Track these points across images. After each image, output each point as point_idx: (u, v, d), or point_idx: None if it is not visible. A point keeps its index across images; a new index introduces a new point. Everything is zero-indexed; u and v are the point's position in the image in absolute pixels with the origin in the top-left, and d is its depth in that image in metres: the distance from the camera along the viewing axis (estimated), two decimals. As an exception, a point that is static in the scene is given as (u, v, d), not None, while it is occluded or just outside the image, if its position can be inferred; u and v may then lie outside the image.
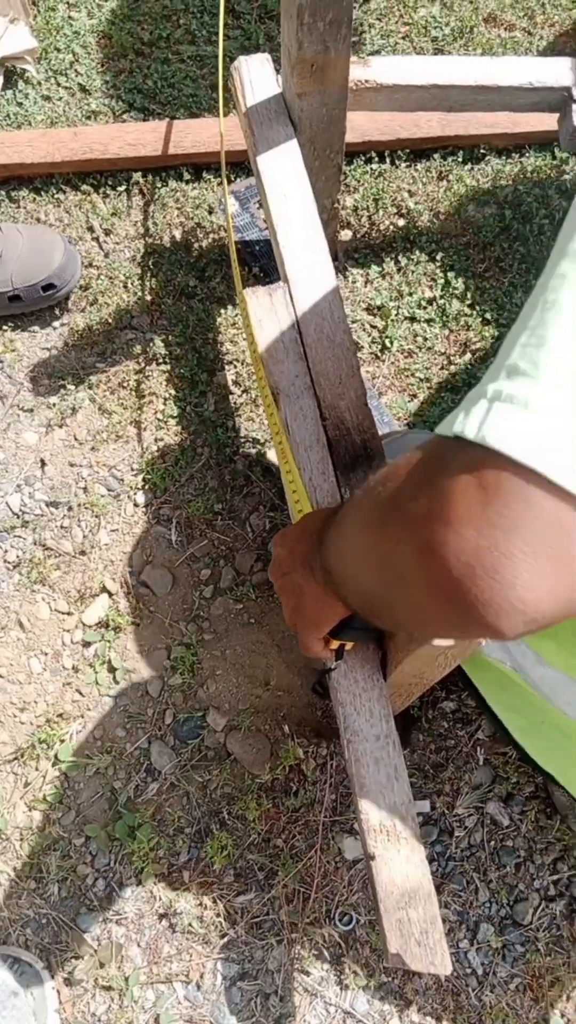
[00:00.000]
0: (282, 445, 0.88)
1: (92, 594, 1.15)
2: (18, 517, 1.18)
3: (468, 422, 0.41)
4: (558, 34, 1.51)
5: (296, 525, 0.74)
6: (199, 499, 1.18)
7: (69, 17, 1.50)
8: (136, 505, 1.19)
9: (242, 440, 1.22)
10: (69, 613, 1.14)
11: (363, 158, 1.37)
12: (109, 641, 1.12)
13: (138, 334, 1.28)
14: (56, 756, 1.07)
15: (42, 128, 1.40)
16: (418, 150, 1.37)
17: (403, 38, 1.49)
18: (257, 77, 1.09)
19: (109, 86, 1.44)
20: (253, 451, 1.21)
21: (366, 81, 1.16)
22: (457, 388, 1.23)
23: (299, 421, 0.90)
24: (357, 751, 0.74)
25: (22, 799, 1.06)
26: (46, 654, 1.12)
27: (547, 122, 1.33)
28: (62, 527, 1.18)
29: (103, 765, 1.07)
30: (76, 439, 1.22)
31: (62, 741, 1.08)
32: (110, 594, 1.15)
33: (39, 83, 1.44)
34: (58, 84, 1.44)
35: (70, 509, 1.18)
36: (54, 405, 1.24)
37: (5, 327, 1.28)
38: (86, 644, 1.13)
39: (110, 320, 1.29)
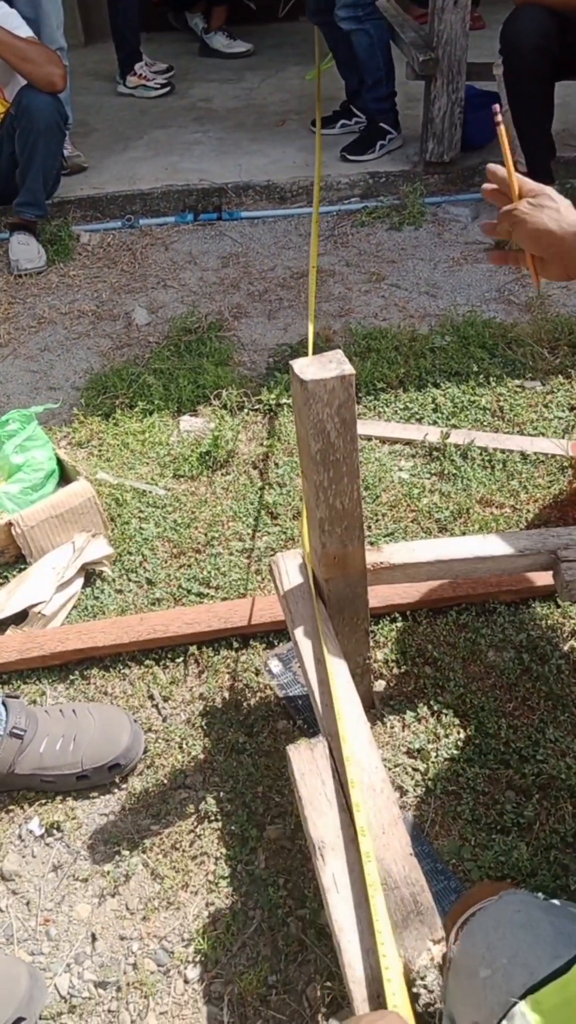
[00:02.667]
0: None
1: None
2: (65, 1002, 1.12)
3: None
4: (541, 507, 1.81)
5: None
6: (251, 970, 1.12)
7: (140, 527, 1.85)
8: (186, 981, 1.13)
9: (294, 899, 1.19)
10: None
11: (388, 618, 1.56)
12: None
13: (191, 792, 1.35)
14: None
15: (114, 615, 1.65)
16: (436, 608, 1.57)
17: (411, 521, 1.80)
18: (291, 568, 1.32)
19: (171, 578, 1.72)
20: (305, 911, 1.17)
21: (381, 563, 1.40)
22: (507, 829, 1.23)
23: (344, 877, 0.91)
24: None
25: None
26: None
27: (546, 577, 1.54)
28: (109, 1011, 1.11)
29: None
30: (128, 908, 1.21)
31: None
32: None
33: (113, 579, 1.73)
34: (129, 579, 1.73)
35: (118, 990, 1.13)
36: (108, 873, 1.25)
37: (68, 796, 1.36)
38: None
39: (165, 781, 1.36)
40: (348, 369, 1.04)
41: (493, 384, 2.16)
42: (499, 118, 1.07)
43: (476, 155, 3.29)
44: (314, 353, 1.13)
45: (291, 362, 1.05)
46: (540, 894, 0.93)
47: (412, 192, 3.15)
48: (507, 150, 1.08)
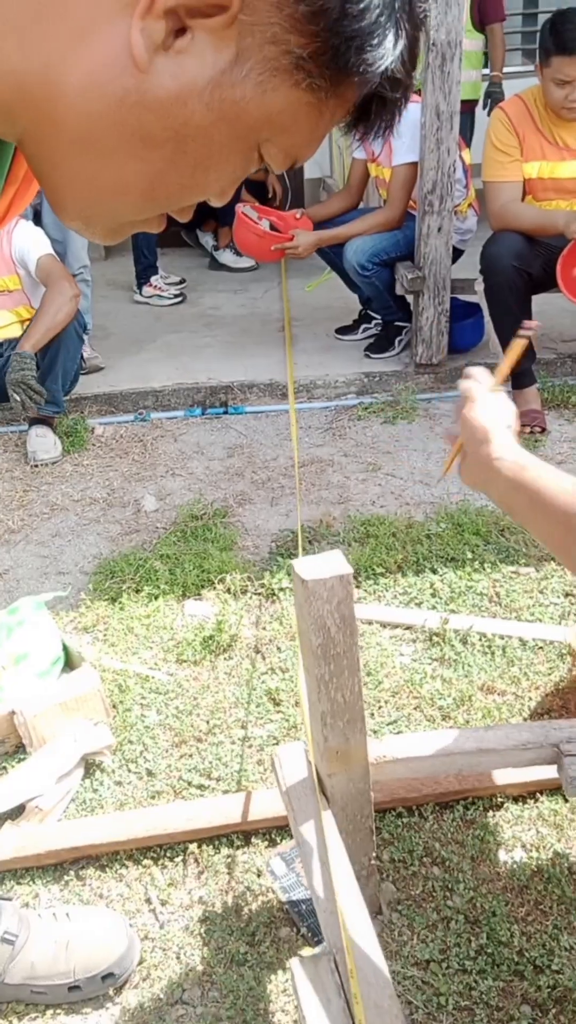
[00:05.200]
0: None
1: None
2: None
3: None
4: (543, 694, 1.82)
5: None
6: None
7: (142, 715, 1.85)
8: None
9: None
10: None
11: (393, 812, 1.53)
12: None
13: (189, 1009, 1.27)
14: None
15: (112, 810, 1.62)
16: (441, 803, 1.54)
17: (414, 708, 1.80)
18: (293, 763, 1.32)
19: (172, 768, 1.70)
20: None
21: (384, 756, 1.40)
22: (525, 1052, 1.15)
23: None
24: None
25: None
26: None
27: (552, 771, 1.52)
28: None
29: None
30: None
31: None
32: None
33: (113, 771, 1.71)
34: (129, 770, 1.71)
35: None
36: None
37: (59, 1011, 1.28)
38: None
39: (161, 995, 1.29)
40: (346, 569, 1.11)
41: (488, 570, 2.24)
42: (530, 332, 1.13)
43: (462, 357, 3.57)
44: (303, 545, 1.20)
45: (292, 562, 1.12)
46: None
47: (405, 389, 3.40)
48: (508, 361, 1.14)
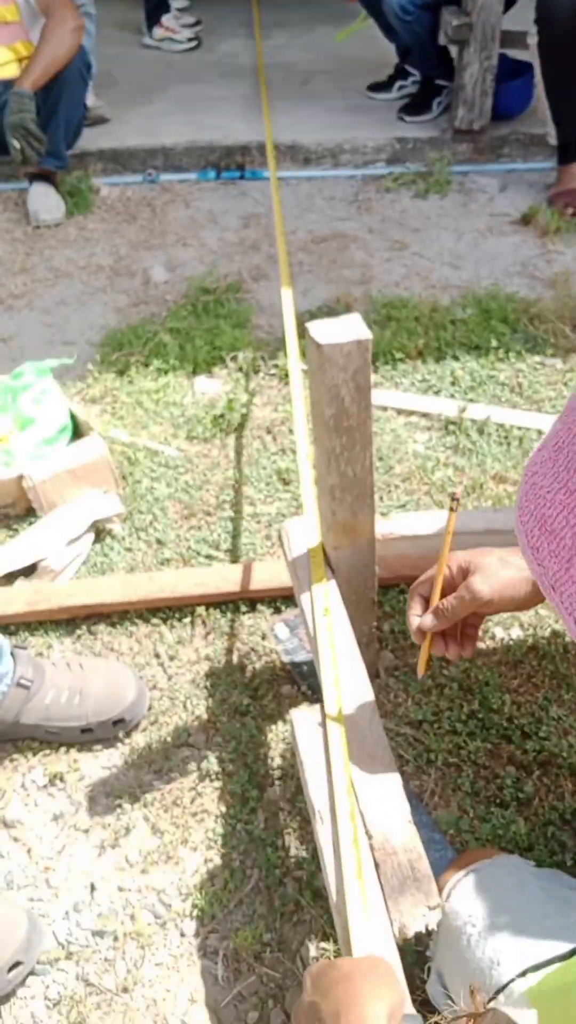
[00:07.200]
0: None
1: (130, 1043, 1.05)
2: (63, 948, 1.14)
3: None
4: (556, 486, 1.79)
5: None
6: (247, 927, 1.14)
7: (151, 487, 1.85)
8: (183, 935, 1.15)
9: (292, 860, 1.21)
10: (103, 1068, 1.04)
11: (396, 589, 1.56)
12: None
13: (194, 751, 1.36)
14: None
15: (122, 573, 1.65)
16: (445, 582, 1.56)
17: (424, 494, 1.79)
18: (300, 536, 1.31)
19: (181, 539, 1.72)
20: (303, 873, 1.19)
21: (391, 533, 1.39)
22: (506, 803, 1.24)
23: (343, 842, 0.92)
24: None
25: None
26: None
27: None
28: (106, 959, 1.13)
29: None
30: (127, 861, 1.23)
31: None
32: (149, 1043, 1.05)
33: (123, 538, 1.73)
34: (139, 538, 1.73)
35: (115, 939, 1.15)
36: (109, 825, 1.27)
37: (72, 748, 1.37)
38: None
39: (168, 738, 1.37)
40: (365, 334, 1.03)
41: (513, 360, 2.14)
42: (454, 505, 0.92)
43: (506, 125, 3.22)
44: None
45: (308, 324, 1.04)
46: (532, 862, 0.94)
47: (439, 160, 3.10)
48: (448, 541, 0.93)
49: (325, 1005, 0.66)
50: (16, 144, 2.60)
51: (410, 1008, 0.70)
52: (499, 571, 0.92)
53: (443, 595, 0.94)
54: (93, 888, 1.21)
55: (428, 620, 0.94)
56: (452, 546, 0.94)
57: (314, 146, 3.19)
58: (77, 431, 1.88)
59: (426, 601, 0.96)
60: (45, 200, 2.85)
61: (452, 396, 2.05)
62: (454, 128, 3.15)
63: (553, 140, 2.96)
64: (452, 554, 0.95)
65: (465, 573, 0.94)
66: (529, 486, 0.42)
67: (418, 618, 0.95)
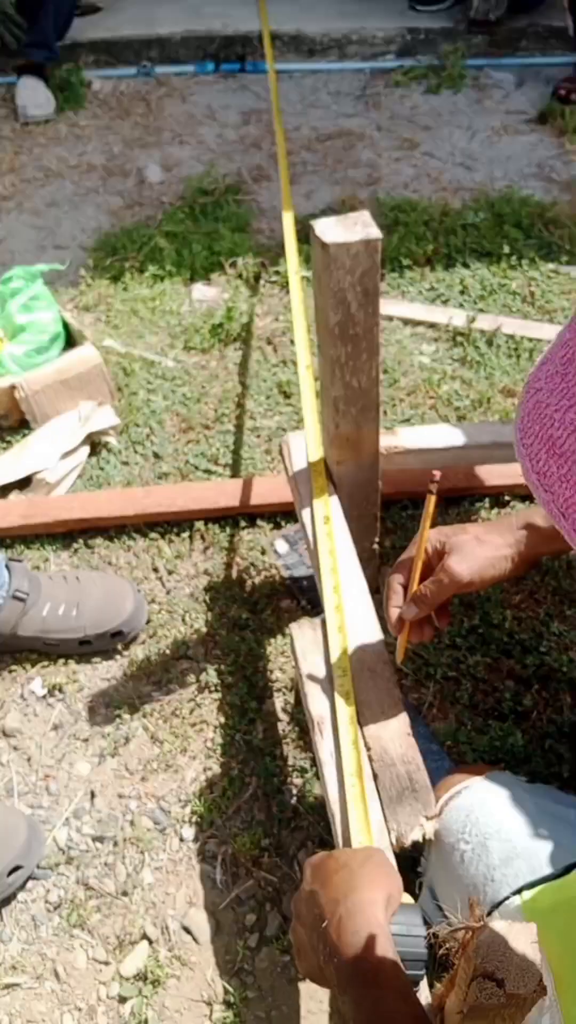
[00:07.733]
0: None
1: (132, 941, 1.08)
2: (63, 853, 1.16)
3: None
4: (565, 400, 1.74)
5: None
6: (245, 833, 1.15)
7: (148, 399, 1.80)
8: (182, 840, 1.16)
9: (290, 769, 1.22)
10: (107, 963, 1.07)
11: (399, 505, 1.53)
12: (147, 997, 1.03)
13: (193, 663, 1.36)
14: None
15: (119, 487, 1.62)
16: (449, 497, 1.53)
17: (430, 408, 1.74)
18: (301, 449, 1.28)
19: (179, 453, 1.68)
20: (301, 782, 1.20)
21: (395, 447, 1.35)
22: (504, 716, 1.24)
23: (342, 752, 0.91)
24: None
25: None
26: (80, 1009, 1.03)
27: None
28: (106, 864, 1.15)
29: None
30: (127, 769, 1.24)
31: None
32: (150, 941, 1.08)
33: (119, 451, 1.69)
34: (135, 451, 1.69)
35: (115, 844, 1.16)
36: (108, 735, 1.27)
37: (71, 660, 1.37)
38: (122, 999, 1.04)
39: (167, 651, 1.37)
40: (374, 233, 0.96)
41: (526, 267, 2.05)
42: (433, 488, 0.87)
43: (524, 17, 3.01)
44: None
45: (312, 222, 0.97)
46: (524, 777, 0.94)
47: (453, 52, 2.91)
48: (425, 525, 0.88)
49: (324, 893, 0.67)
50: None
51: (407, 898, 0.71)
52: (476, 550, 0.88)
53: (420, 578, 0.90)
54: (93, 795, 1.22)
55: (409, 610, 0.90)
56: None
57: (319, 36, 3.00)
58: (70, 340, 1.81)
59: (404, 589, 0.92)
60: (34, 95, 2.69)
61: (461, 306, 1.98)
62: (469, 19, 2.95)
63: (572, 30, 2.78)
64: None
65: (440, 555, 0.90)
66: (532, 404, 0.38)
67: (398, 609, 0.92)
